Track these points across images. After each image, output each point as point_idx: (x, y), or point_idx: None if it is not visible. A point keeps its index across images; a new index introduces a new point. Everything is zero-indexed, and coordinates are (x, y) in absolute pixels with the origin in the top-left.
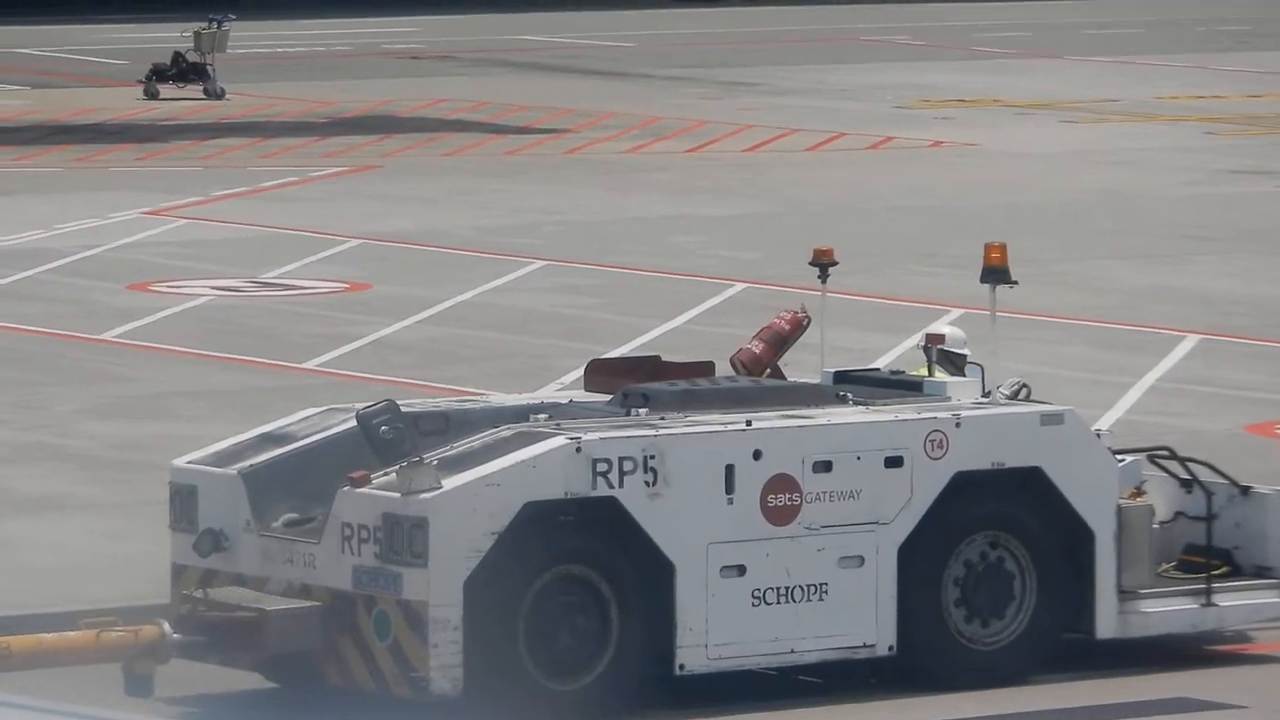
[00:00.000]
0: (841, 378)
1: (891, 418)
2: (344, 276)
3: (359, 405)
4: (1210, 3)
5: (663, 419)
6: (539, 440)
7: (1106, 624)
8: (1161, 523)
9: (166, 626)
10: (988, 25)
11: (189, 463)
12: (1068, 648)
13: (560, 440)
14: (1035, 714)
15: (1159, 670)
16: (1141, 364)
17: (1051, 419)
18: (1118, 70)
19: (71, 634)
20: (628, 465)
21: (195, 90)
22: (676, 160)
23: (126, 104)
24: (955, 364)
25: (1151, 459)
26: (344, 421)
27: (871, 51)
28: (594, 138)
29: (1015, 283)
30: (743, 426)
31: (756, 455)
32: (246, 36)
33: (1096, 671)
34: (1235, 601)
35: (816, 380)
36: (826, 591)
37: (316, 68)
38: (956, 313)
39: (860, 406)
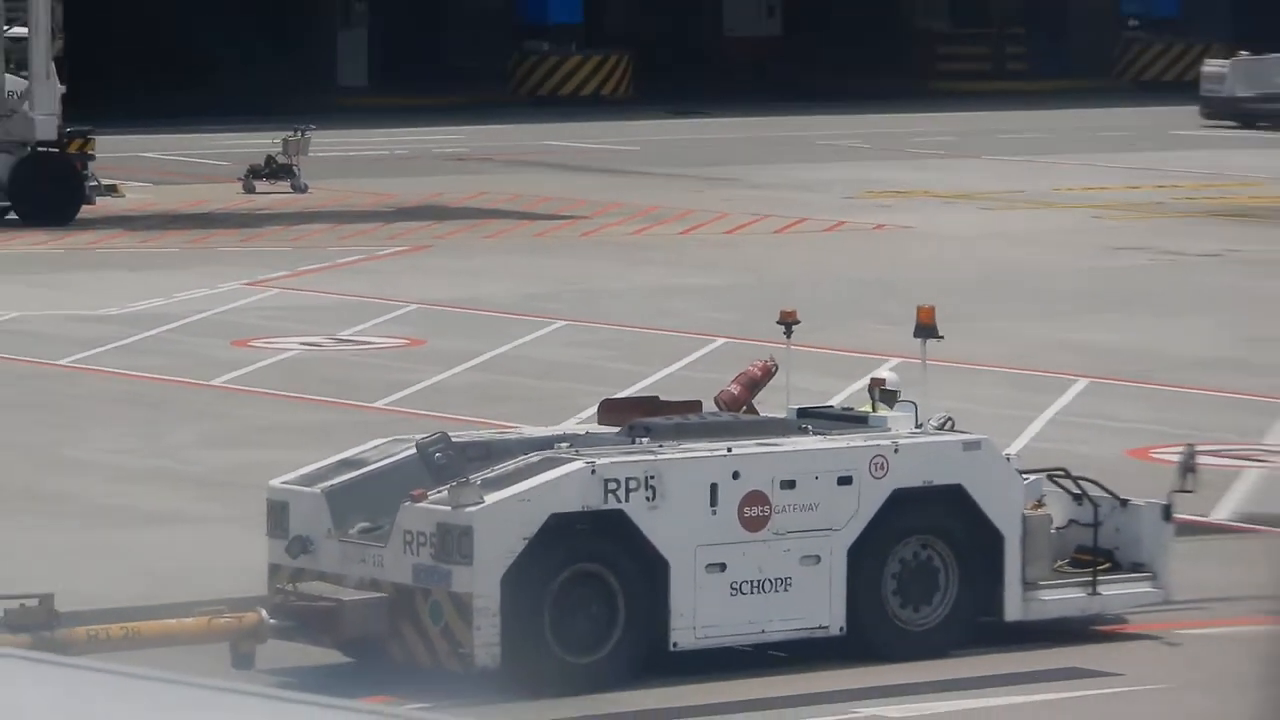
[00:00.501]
0: (803, 413)
1: (843, 445)
2: (404, 334)
3: (417, 436)
4: (1097, 114)
5: (661, 447)
6: (561, 464)
7: (1013, 609)
8: (1058, 528)
9: (264, 613)
10: (919, 132)
11: (282, 483)
12: (982, 628)
13: (578, 464)
14: (955, 680)
15: (1054, 646)
16: (1043, 401)
17: (971, 446)
18: (1024, 168)
19: (189, 620)
20: (632, 484)
21: (284, 186)
22: (670, 240)
23: (229, 197)
24: (893, 402)
25: (1050, 477)
26: (406, 449)
27: (826, 153)
28: (605, 222)
29: (941, 337)
30: (724, 453)
31: (735, 475)
32: (324, 143)
33: (1005, 647)
34: (1115, 591)
35: (783, 415)
36: (790, 584)
37: (381, 167)
38: (895, 361)
39: (818, 436)
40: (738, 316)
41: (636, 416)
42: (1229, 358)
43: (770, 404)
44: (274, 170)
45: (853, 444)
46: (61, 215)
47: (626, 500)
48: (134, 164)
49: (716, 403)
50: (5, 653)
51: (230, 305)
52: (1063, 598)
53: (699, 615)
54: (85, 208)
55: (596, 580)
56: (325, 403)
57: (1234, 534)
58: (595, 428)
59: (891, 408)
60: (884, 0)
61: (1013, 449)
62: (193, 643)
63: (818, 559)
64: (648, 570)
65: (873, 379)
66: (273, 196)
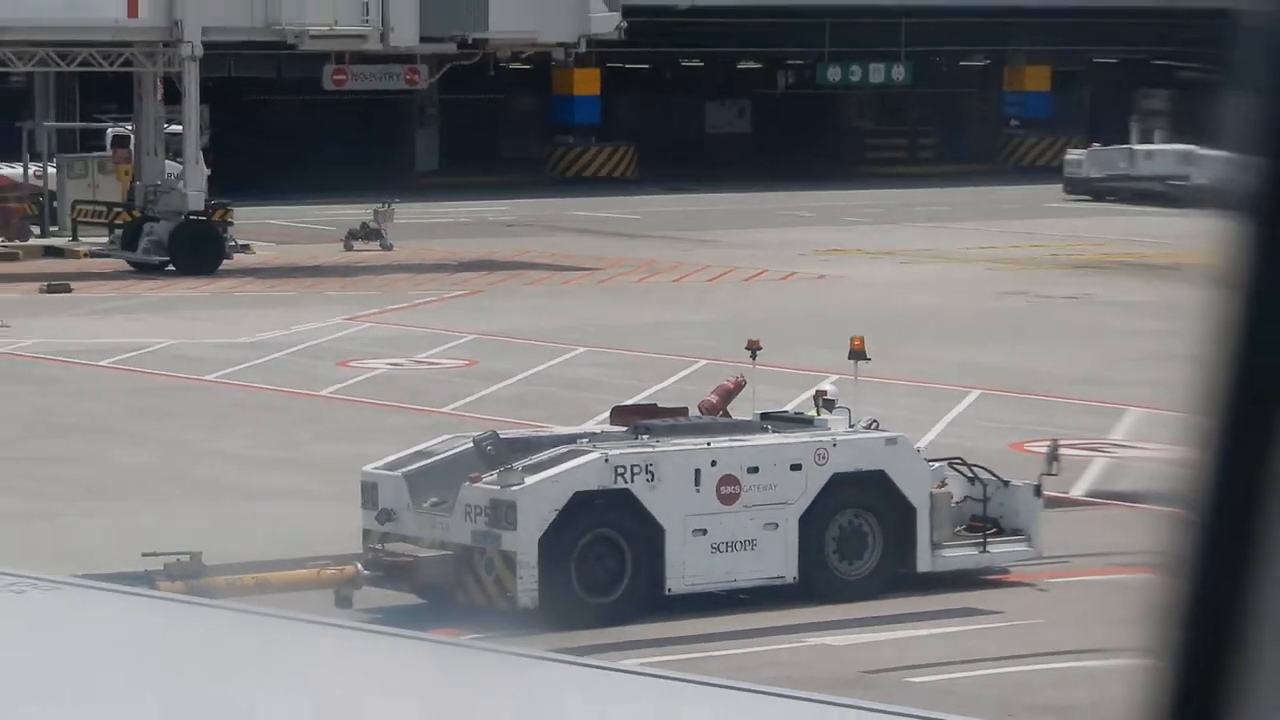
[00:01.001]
0: (765, 416)
1: (794, 440)
2: (464, 357)
3: (474, 434)
4: (987, 191)
5: (657, 442)
6: (582, 455)
7: (924, 563)
8: (956, 503)
9: (359, 567)
10: (853, 205)
11: (372, 468)
12: (900, 578)
13: (595, 455)
14: (880, 617)
15: (954, 591)
16: (944, 408)
17: (890, 441)
18: (932, 231)
19: (303, 571)
20: (636, 469)
21: (374, 245)
22: (665, 286)
23: (334, 254)
24: (832, 409)
25: (950, 464)
26: (465, 443)
27: (782, 220)
28: (615, 273)
29: (869, 359)
30: (705, 446)
31: (713, 463)
32: (405, 212)
33: (917, 592)
34: (999, 550)
35: (750, 418)
36: (755, 544)
37: (447, 230)
38: (833, 377)
39: (776, 434)
40: (715, 344)
41: (639, 419)
42: (1084, 375)
43: (740, 410)
44: (367, 233)
45: (802, 440)
46: (207, 267)
47: (632, 482)
48: (262, 228)
49: (699, 409)
50: (165, 596)
51: (334, 335)
52: (960, 555)
53: (687, 568)
54: (225, 262)
55: (609, 542)
56: (404, 408)
57: (1089, 506)
58: (608, 428)
59: (831, 413)
60: (825, 106)
61: (922, 443)
62: (306, 589)
63: (776, 525)
64: (648, 534)
65: (817, 391)
66: (366, 253)
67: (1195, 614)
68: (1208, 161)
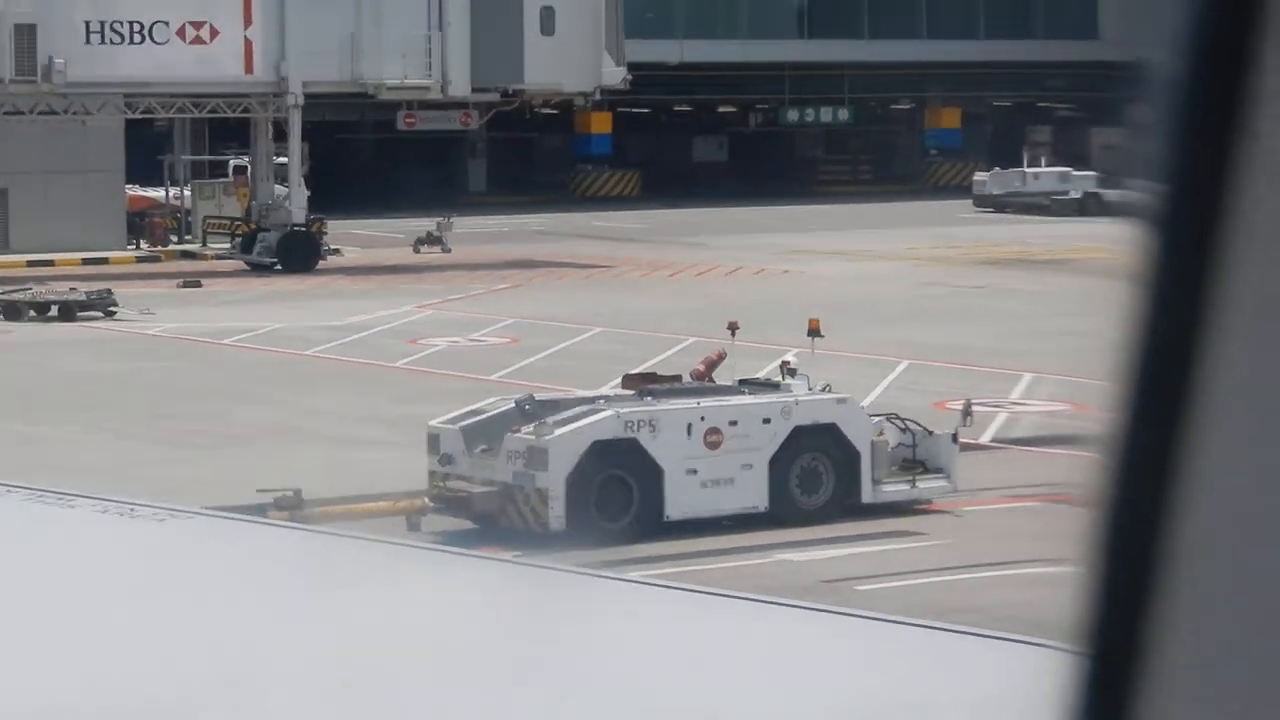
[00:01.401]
0: (742, 382)
1: (765, 400)
2: (507, 336)
3: (515, 395)
4: (913, 205)
5: (658, 401)
6: (600, 412)
7: (867, 496)
8: (891, 448)
9: (426, 500)
10: (810, 216)
11: (436, 423)
12: (848, 508)
13: (610, 411)
14: (832, 538)
15: (890, 518)
16: (882, 374)
17: (841, 400)
18: (872, 236)
19: (382, 503)
20: (642, 423)
21: (437, 250)
22: (663, 280)
23: (405, 256)
24: (794, 376)
25: (886, 418)
26: (508, 403)
27: (754, 228)
28: (626, 270)
29: (823, 336)
30: (695, 405)
31: (702, 418)
32: (461, 224)
33: (863, 518)
34: (925, 485)
35: (730, 383)
36: (734, 481)
37: (493, 237)
38: (795, 351)
39: (751, 395)
40: (702, 325)
41: (644, 384)
42: (989, 348)
43: (723, 376)
44: (431, 240)
45: (771, 400)
46: (307, 267)
47: (638, 433)
48: (350, 237)
49: (690, 376)
50: (272, 522)
51: (406, 320)
52: (895, 489)
53: (681, 500)
54: (321, 263)
55: (621, 480)
56: (460, 376)
57: (994, 450)
58: (620, 391)
59: (793, 379)
60: (786, 140)
61: (865, 402)
62: (385, 516)
63: (751, 466)
64: (651, 474)
65: (782, 362)
66: (430, 256)
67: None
68: (1079, 180)
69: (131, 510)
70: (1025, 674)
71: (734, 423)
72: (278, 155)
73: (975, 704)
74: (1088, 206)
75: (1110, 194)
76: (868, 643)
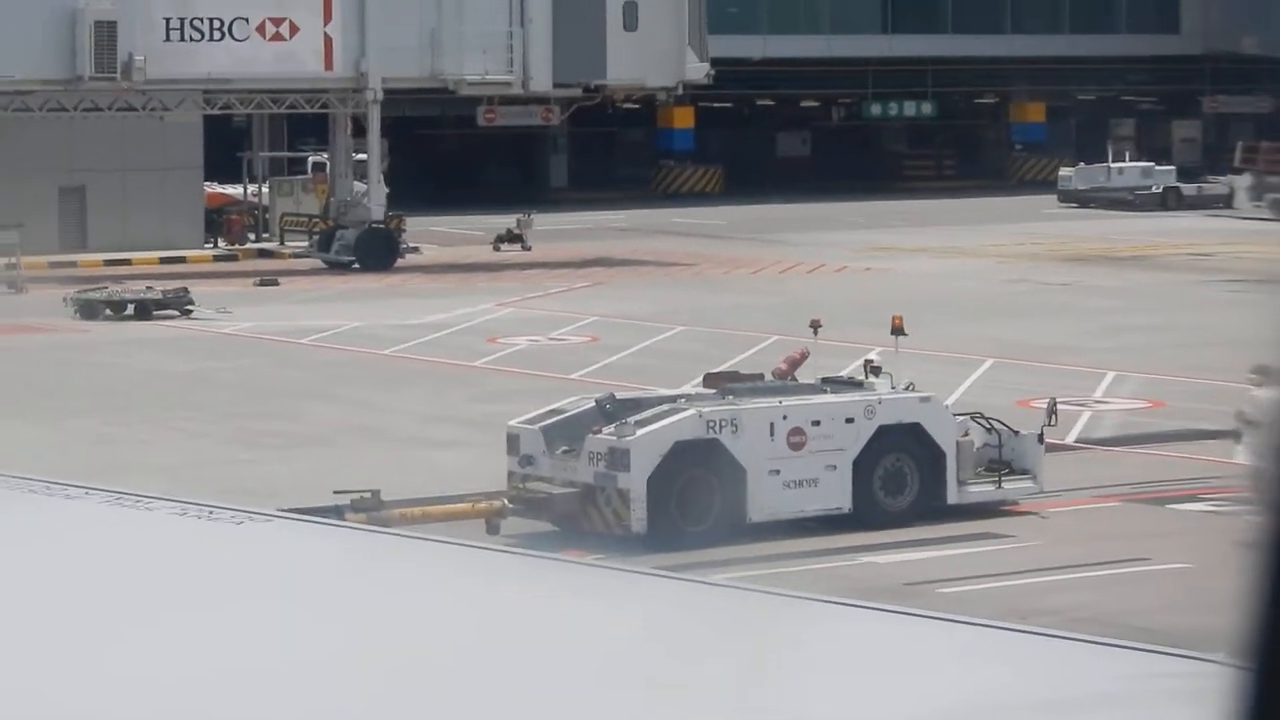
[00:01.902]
0: (825, 381)
1: (848, 399)
2: (587, 335)
3: (596, 395)
4: (998, 201)
5: (740, 401)
6: (681, 412)
7: (952, 497)
8: (977, 449)
9: (506, 501)
10: (893, 212)
11: (516, 423)
12: (932, 509)
13: (692, 411)
14: (916, 540)
15: (975, 519)
16: (966, 373)
17: (925, 399)
18: (955, 232)
19: (460, 505)
20: (724, 423)
21: (517, 247)
22: (744, 278)
23: (485, 253)
24: (878, 374)
25: (971, 418)
26: (589, 403)
27: (836, 225)
28: (708, 267)
29: (907, 334)
30: (778, 404)
31: (784, 417)
32: (541, 221)
33: (948, 519)
34: (1011, 486)
35: (813, 382)
36: (818, 482)
37: (574, 234)
38: (878, 349)
39: (834, 394)
40: (784, 323)
41: (726, 383)
42: (1072, 345)
43: (805, 375)
44: (511, 237)
45: (854, 399)
46: (385, 265)
47: (720, 433)
48: (429, 234)
49: (772, 374)
50: (351, 525)
51: (485, 318)
52: (980, 490)
53: (764, 501)
54: (400, 261)
55: (703, 481)
56: (540, 375)
57: (1079, 450)
58: (701, 390)
59: (877, 377)
60: (869, 135)
61: (949, 401)
62: (462, 519)
63: (834, 467)
64: (733, 474)
65: (866, 360)
66: (510, 253)
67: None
68: (1161, 175)
69: (210, 513)
70: (1111, 676)
71: (817, 422)
72: (356, 152)
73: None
74: (1169, 201)
75: (1189, 188)
76: (950, 645)
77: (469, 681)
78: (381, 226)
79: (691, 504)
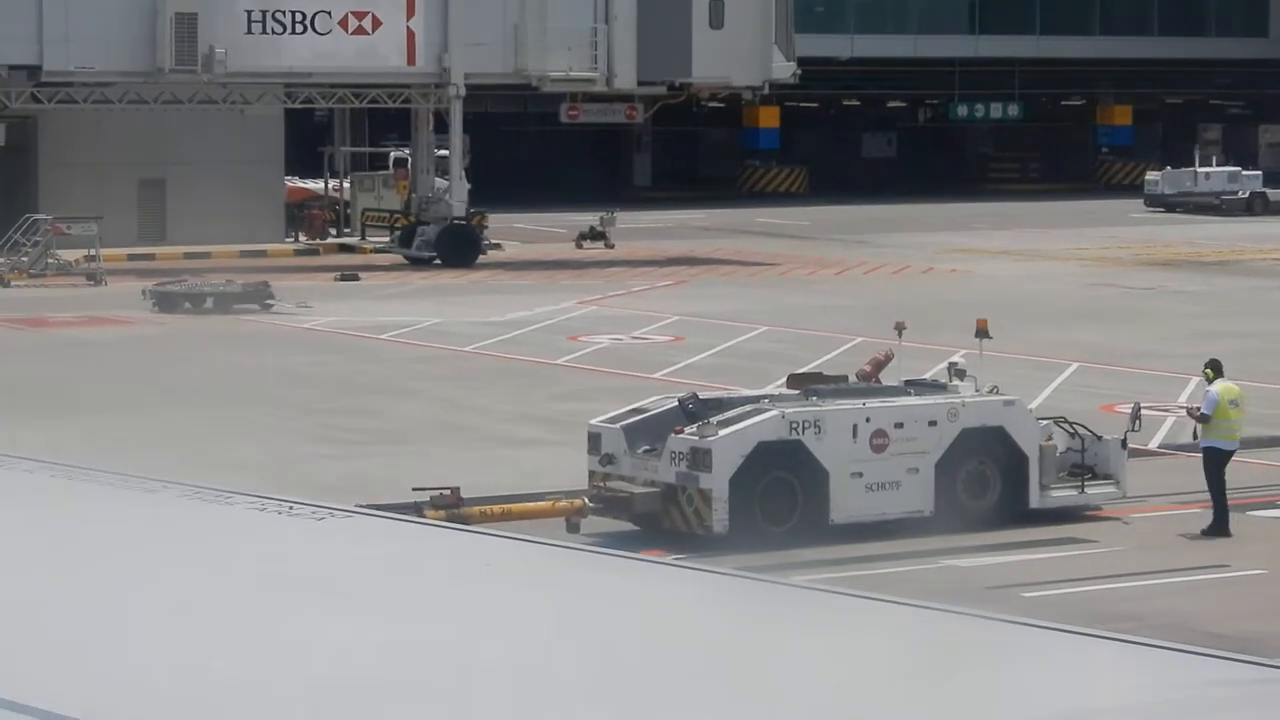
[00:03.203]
0: (909, 383)
1: (931, 401)
2: (670, 334)
3: (678, 394)
4: (1083, 204)
5: (824, 402)
6: (765, 412)
7: (1034, 501)
8: (1060, 453)
9: (586, 500)
10: (977, 214)
11: (597, 422)
12: (1015, 513)
13: (775, 412)
14: (999, 544)
15: (1058, 524)
16: (1050, 377)
17: (1009, 403)
18: (1039, 235)
19: (541, 503)
20: (807, 424)
21: (600, 245)
22: (829, 278)
23: (568, 251)
24: (962, 376)
25: (1055, 422)
26: (671, 402)
27: (921, 226)
28: (790, 267)
29: (991, 338)
30: (861, 406)
31: (867, 420)
32: (625, 219)
33: (1030, 524)
34: (1094, 491)
35: (896, 384)
36: (900, 485)
37: (657, 233)
38: (962, 351)
39: (917, 397)
40: (868, 324)
41: (809, 384)
42: (1157, 350)
43: (889, 377)
44: (594, 235)
45: (937, 401)
46: (467, 261)
47: (803, 434)
48: (511, 231)
49: (856, 376)
50: (430, 523)
51: (567, 315)
52: (1063, 495)
53: (846, 503)
54: (481, 257)
55: (786, 482)
56: (623, 374)
57: (1163, 456)
58: (784, 390)
59: (961, 380)
60: (955, 136)
61: (1032, 405)
62: (542, 517)
63: (917, 470)
64: (816, 476)
65: (950, 362)
66: (593, 251)
67: None
68: (1248, 179)
69: (290, 509)
70: (1188, 683)
71: (900, 425)
72: (438, 147)
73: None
74: (1255, 206)
75: (1275, 193)
76: (1033, 650)
77: (546, 676)
78: (463, 223)
79: (773, 505)
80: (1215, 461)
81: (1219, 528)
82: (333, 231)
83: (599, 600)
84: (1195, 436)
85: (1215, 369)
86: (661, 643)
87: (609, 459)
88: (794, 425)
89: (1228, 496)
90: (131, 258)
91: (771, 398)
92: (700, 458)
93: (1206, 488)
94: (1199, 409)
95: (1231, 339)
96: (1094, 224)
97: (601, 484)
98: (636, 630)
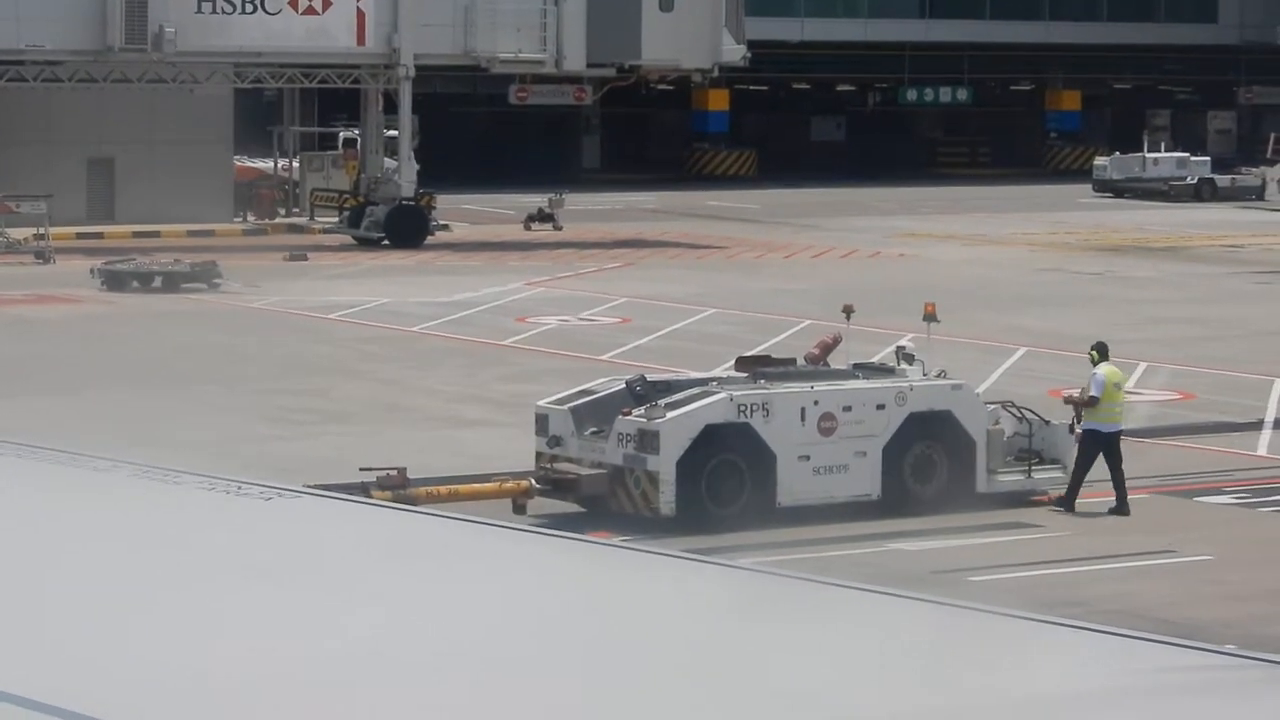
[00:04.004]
0: (857, 366)
1: (880, 385)
2: (618, 316)
3: (626, 377)
4: (1031, 189)
5: (772, 385)
6: (713, 395)
7: (981, 486)
8: (1007, 438)
9: (533, 482)
10: (926, 198)
11: (544, 403)
12: (962, 497)
13: (723, 394)
14: (946, 528)
15: (1005, 509)
16: (998, 361)
17: (957, 387)
18: (987, 220)
19: (487, 484)
20: (755, 407)
21: (548, 227)
22: (777, 262)
23: (515, 233)
24: (910, 360)
25: (1002, 406)
26: (619, 384)
27: (869, 210)
28: (738, 251)
29: (939, 321)
30: (809, 389)
31: (815, 403)
32: (573, 201)
33: (976, 509)
34: (1041, 476)
35: (844, 367)
36: (848, 468)
37: (605, 215)
38: (910, 335)
39: (865, 380)
40: (817, 308)
41: (757, 367)
42: (1106, 335)
43: (837, 360)
44: (542, 217)
45: (885, 385)
46: (415, 242)
47: (751, 417)
48: (459, 212)
49: (804, 359)
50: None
51: (514, 297)
52: (1010, 479)
53: (794, 486)
54: (430, 238)
55: (733, 465)
56: (570, 356)
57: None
58: (732, 373)
59: (909, 364)
60: (904, 120)
61: (980, 389)
62: (488, 498)
63: (865, 453)
64: (763, 459)
65: (898, 346)
66: (541, 233)
67: None
68: (1196, 165)
69: (239, 488)
70: (1133, 670)
71: (848, 408)
72: (388, 128)
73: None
74: (1203, 192)
75: (1223, 179)
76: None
77: (492, 661)
78: (412, 203)
79: (720, 487)
80: (1095, 443)
81: (1119, 507)
82: (281, 211)
83: (539, 582)
84: (1078, 420)
85: (1101, 352)
86: (613, 625)
87: (556, 440)
88: (742, 408)
89: (1124, 475)
90: (80, 236)
91: (719, 380)
92: (648, 440)
93: (1076, 468)
94: (1087, 393)
95: (1179, 324)
96: (1042, 209)
97: (549, 465)
98: (573, 612)
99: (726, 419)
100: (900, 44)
